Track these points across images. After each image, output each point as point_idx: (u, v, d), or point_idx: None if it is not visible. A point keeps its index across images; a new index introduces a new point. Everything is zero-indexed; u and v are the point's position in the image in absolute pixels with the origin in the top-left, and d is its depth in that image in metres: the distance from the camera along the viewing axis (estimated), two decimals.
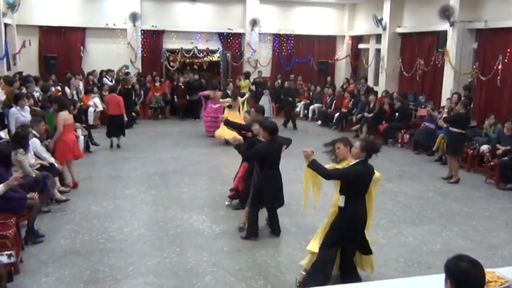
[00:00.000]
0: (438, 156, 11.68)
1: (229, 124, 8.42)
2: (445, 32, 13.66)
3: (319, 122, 16.53)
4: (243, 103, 13.27)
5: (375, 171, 5.29)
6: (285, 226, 7.14)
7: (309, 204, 5.87)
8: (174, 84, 17.09)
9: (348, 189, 5.16)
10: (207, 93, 14.47)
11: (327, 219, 5.48)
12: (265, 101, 16.54)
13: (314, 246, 5.44)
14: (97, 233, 6.85)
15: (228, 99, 13.19)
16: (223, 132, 12.31)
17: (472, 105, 12.30)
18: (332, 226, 5.29)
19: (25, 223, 6.46)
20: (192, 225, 7.22)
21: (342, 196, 5.19)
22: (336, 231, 5.21)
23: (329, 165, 5.54)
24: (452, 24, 13.09)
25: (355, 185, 5.14)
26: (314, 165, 5.22)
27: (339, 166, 5.43)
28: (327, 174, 5.26)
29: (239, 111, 12.97)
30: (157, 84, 16.87)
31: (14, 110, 9.18)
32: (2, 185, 5.77)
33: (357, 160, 5.15)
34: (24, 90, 11.52)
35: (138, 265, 5.89)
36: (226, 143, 12.35)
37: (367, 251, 5.44)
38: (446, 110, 11.49)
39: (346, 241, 5.21)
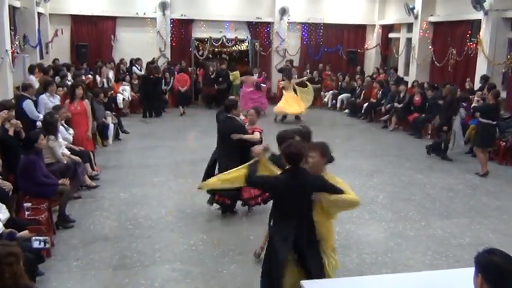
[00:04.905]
0: (469, 148, 11.41)
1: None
2: (479, 21, 13.32)
3: (347, 111, 16.36)
4: (300, 85, 14.71)
5: (350, 191, 4.13)
6: None
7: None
8: (205, 73, 17.32)
9: (274, 204, 4.33)
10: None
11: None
12: (458, 124, 10.78)
13: None
14: (125, 219, 6.97)
15: (284, 81, 14.79)
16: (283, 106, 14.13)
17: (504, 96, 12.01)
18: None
19: (57, 208, 6.64)
20: (219, 214, 7.26)
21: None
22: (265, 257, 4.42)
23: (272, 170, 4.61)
24: (486, 13, 12.76)
25: (277, 200, 4.27)
26: (250, 168, 4.48)
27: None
28: (250, 180, 4.36)
29: (295, 92, 14.43)
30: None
31: (43, 96, 9.34)
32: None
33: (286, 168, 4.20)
34: (58, 79, 11.73)
35: (165, 252, 5.97)
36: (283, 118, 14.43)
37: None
38: (477, 98, 11.20)
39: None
